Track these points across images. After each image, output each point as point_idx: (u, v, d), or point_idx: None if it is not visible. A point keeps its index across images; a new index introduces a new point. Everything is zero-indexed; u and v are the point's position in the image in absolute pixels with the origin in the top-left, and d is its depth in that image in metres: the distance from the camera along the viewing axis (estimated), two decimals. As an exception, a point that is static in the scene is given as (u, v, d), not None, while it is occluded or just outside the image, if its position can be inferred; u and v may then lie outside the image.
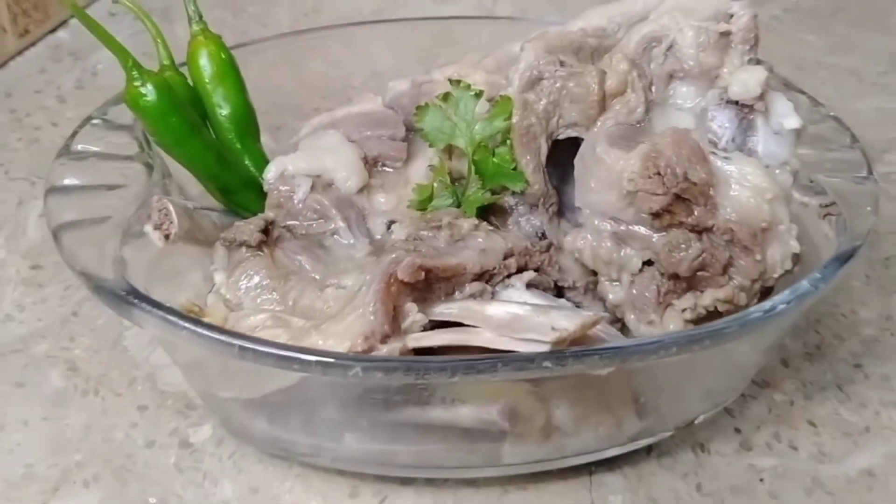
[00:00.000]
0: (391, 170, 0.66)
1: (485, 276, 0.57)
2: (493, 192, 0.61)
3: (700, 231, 0.54)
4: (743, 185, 0.54)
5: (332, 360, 0.48)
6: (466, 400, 0.53)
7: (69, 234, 0.54)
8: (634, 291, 0.56)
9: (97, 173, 0.59)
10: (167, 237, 0.55)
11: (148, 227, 0.55)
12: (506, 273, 0.57)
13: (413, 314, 0.53)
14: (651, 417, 0.57)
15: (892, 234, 0.77)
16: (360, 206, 0.63)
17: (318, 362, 0.47)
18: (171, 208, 0.55)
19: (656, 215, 0.54)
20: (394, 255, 0.54)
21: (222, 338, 0.48)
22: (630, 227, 0.55)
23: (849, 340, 0.68)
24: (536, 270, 0.59)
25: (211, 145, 0.62)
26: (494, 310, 0.52)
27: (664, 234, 0.54)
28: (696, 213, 0.53)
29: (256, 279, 0.57)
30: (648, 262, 0.56)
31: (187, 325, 0.48)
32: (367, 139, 0.66)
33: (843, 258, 0.53)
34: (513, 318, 0.51)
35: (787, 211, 0.54)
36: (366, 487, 0.57)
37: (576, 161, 0.58)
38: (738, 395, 0.62)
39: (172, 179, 0.62)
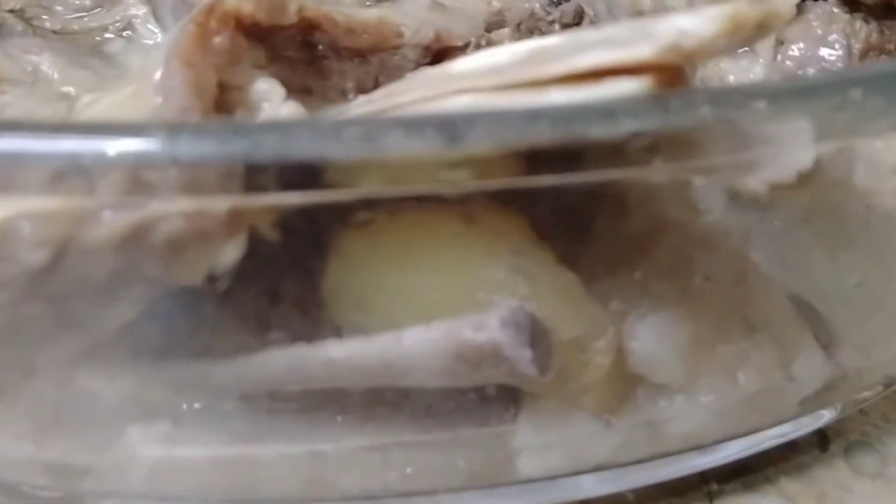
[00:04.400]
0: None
1: (448, 57, 0.25)
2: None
3: None
4: None
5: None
6: (410, 310, 0.21)
7: None
8: (795, 55, 0.24)
9: None
10: None
11: None
12: (492, 56, 0.25)
13: (275, 102, 0.21)
14: (845, 350, 0.25)
15: None
16: (183, -10, 0.31)
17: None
18: None
19: None
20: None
21: None
22: None
23: None
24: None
25: None
26: (479, 58, 0.20)
27: None
28: None
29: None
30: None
31: None
32: None
33: None
34: (533, 52, 0.19)
35: None
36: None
37: None
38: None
39: None
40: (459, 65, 0.20)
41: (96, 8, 0.30)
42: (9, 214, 0.18)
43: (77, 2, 0.30)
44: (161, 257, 0.19)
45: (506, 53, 0.19)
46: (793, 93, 0.17)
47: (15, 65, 0.27)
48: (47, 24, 0.29)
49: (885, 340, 0.26)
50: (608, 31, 0.18)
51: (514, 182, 0.17)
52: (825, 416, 0.26)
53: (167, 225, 0.19)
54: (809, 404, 0.25)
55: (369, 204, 0.20)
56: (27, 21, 0.29)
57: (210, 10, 0.21)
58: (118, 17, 0.30)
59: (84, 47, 0.29)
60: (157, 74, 0.20)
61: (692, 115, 0.16)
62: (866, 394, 0.27)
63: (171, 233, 0.19)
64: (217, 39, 0.21)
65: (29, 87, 0.26)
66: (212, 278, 0.20)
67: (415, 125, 0.16)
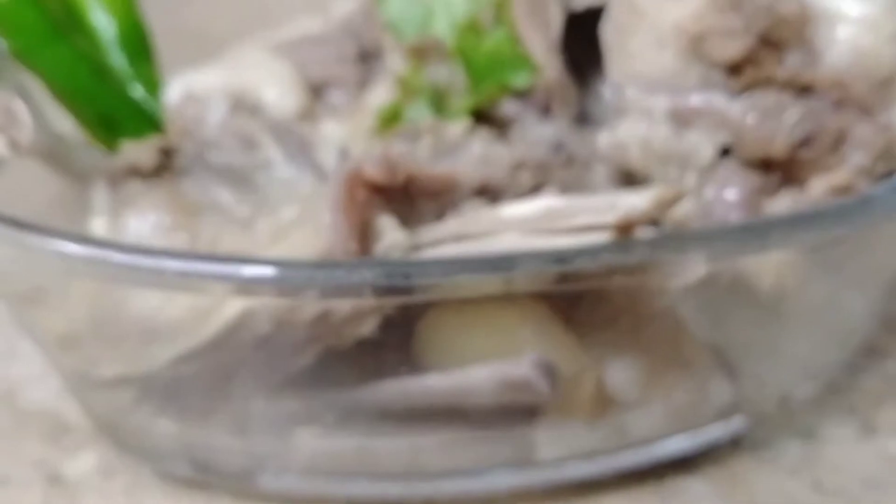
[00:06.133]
0: (341, 99, 0.49)
1: (489, 194, 0.39)
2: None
3: (796, 91, 0.37)
4: (850, 22, 0.37)
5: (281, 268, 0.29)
6: (472, 356, 0.35)
7: None
8: (708, 196, 0.38)
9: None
10: (14, 145, 0.36)
11: (-11, 130, 0.36)
12: (518, 192, 0.40)
13: (391, 232, 0.35)
14: (745, 381, 0.39)
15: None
16: (301, 135, 0.45)
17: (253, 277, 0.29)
18: (18, 108, 0.37)
19: (735, 69, 0.37)
20: (356, 161, 0.36)
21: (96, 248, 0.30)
22: (695, 97, 0.38)
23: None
24: (557, 192, 0.41)
25: (85, 56, 0.44)
26: (515, 209, 0.34)
27: (745, 100, 0.37)
28: (789, 62, 0.37)
29: (153, 218, 0.39)
30: (724, 153, 0.39)
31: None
32: (305, 64, 0.49)
33: None
34: (546, 210, 0.33)
35: (918, 54, 0.37)
36: (331, 519, 0.38)
37: (603, 28, 0.41)
38: (843, 364, 0.45)
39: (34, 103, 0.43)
40: (505, 211, 0.35)
41: (245, 149, 0.44)
42: (255, 303, 0.32)
43: (228, 145, 0.44)
44: (335, 328, 0.33)
45: (532, 207, 0.34)
46: (685, 242, 0.31)
47: (204, 196, 0.41)
48: (212, 159, 0.43)
49: (773, 374, 0.40)
50: (592, 201, 0.32)
51: (542, 289, 0.31)
52: (736, 424, 0.40)
53: (341, 310, 0.33)
54: (721, 414, 0.39)
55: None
56: (203, 160, 0.43)
57: (355, 177, 0.35)
58: (261, 158, 0.43)
59: (239, 179, 0.43)
60: (327, 220, 0.34)
61: (634, 254, 0.30)
62: (765, 408, 0.41)
63: (342, 314, 0.33)
64: (359, 196, 0.35)
65: (212, 213, 0.40)
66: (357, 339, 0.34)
67: (481, 265, 0.30)
